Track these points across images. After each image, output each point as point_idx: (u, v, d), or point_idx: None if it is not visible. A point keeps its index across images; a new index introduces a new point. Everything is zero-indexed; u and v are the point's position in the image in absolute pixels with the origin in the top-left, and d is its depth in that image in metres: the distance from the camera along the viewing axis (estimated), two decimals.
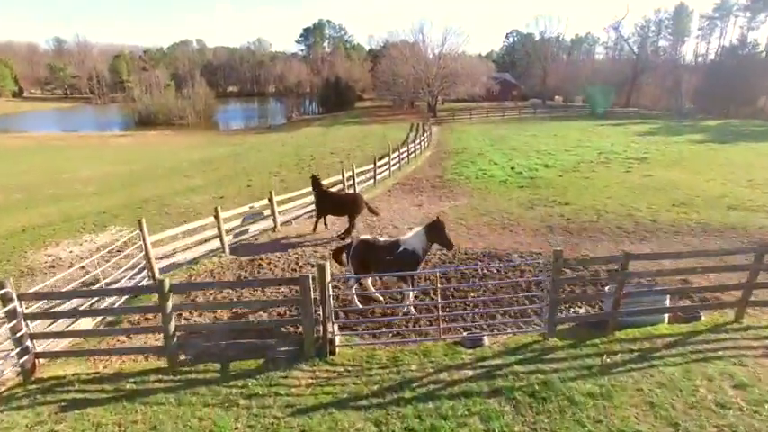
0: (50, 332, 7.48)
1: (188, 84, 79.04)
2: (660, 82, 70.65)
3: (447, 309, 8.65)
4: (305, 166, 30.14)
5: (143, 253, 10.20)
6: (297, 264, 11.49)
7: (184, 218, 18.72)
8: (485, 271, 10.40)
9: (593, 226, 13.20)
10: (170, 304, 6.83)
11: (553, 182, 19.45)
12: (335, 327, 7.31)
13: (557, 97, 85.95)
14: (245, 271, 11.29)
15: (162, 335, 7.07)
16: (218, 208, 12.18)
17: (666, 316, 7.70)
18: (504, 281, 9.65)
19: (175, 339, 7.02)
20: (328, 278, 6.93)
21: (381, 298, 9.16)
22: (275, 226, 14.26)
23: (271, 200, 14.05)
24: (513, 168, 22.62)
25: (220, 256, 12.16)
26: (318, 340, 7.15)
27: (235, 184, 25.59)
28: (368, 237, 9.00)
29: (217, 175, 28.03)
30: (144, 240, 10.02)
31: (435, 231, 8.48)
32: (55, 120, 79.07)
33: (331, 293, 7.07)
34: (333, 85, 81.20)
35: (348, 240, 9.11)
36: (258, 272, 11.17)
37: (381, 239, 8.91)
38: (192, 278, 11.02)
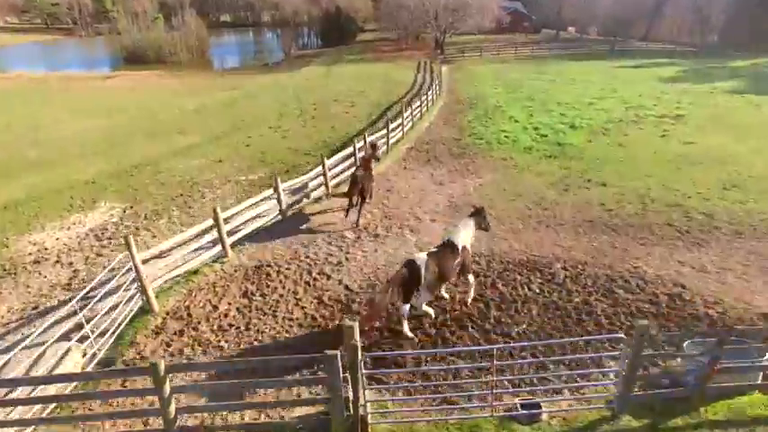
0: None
1: (177, 13, 73.66)
2: (683, 13, 65.69)
3: (488, 357, 7.43)
4: (308, 117, 28.05)
5: (134, 275, 8.81)
6: (310, 275, 10.17)
7: (181, 189, 17.20)
8: (527, 291, 9.10)
9: (639, 221, 11.73)
10: (168, 387, 5.57)
11: (584, 151, 17.69)
12: (367, 403, 6.11)
13: (570, 29, 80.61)
14: (252, 284, 9.99)
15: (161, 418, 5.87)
16: (218, 209, 10.62)
17: (760, 375, 6.46)
18: (554, 317, 8.36)
19: (177, 423, 5.84)
20: (358, 344, 5.62)
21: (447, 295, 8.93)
22: (282, 211, 12.75)
23: (276, 188, 12.43)
24: (536, 130, 20.70)
25: (223, 263, 10.81)
26: (348, 420, 5.98)
27: (233, 141, 23.70)
28: (421, 254, 7.93)
29: (213, 131, 26.01)
30: (133, 261, 8.60)
31: (480, 218, 9.00)
32: (35, 55, 74.51)
33: (363, 368, 5.80)
34: (333, 16, 75.78)
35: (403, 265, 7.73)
36: (267, 285, 9.87)
37: (435, 248, 8.26)
38: (193, 294, 9.73)
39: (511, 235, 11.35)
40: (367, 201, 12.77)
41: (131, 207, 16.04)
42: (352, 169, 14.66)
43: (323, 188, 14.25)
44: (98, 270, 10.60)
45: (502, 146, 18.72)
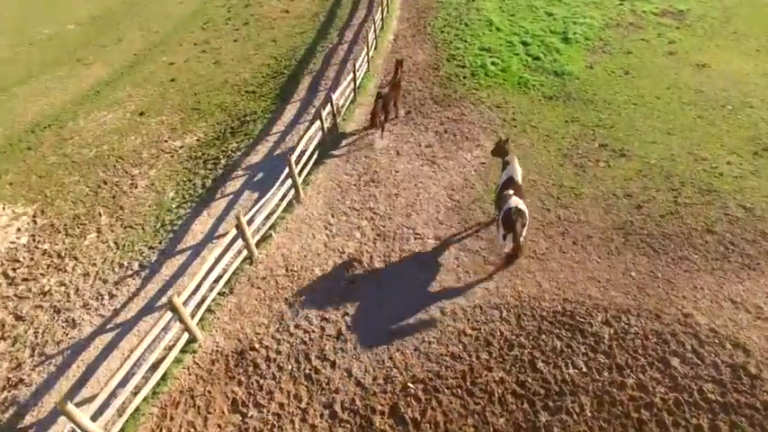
0: None
1: None
2: None
3: None
4: (240, 23, 22.99)
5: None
6: (309, 361, 8.33)
7: (101, 171, 13.89)
8: (571, 371, 7.81)
9: (676, 229, 10.20)
10: None
11: (587, 86, 15.18)
12: None
13: None
14: (240, 385, 8.08)
15: None
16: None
17: None
18: (610, 418, 7.20)
19: None
20: None
21: None
22: (250, 254, 10.23)
23: (241, 230, 9.73)
24: (525, 46, 17.56)
25: (194, 352, 8.65)
26: None
27: (152, 73, 19.23)
28: (517, 200, 8.85)
29: (122, 54, 20.83)
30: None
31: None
32: None
33: None
34: None
35: None
36: (259, 387, 8.02)
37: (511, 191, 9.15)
38: (168, 415, 7.77)
39: (536, 264, 9.64)
40: (392, 117, 13.79)
41: (42, 212, 12.79)
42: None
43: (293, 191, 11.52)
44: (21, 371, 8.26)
45: (491, 79, 15.79)
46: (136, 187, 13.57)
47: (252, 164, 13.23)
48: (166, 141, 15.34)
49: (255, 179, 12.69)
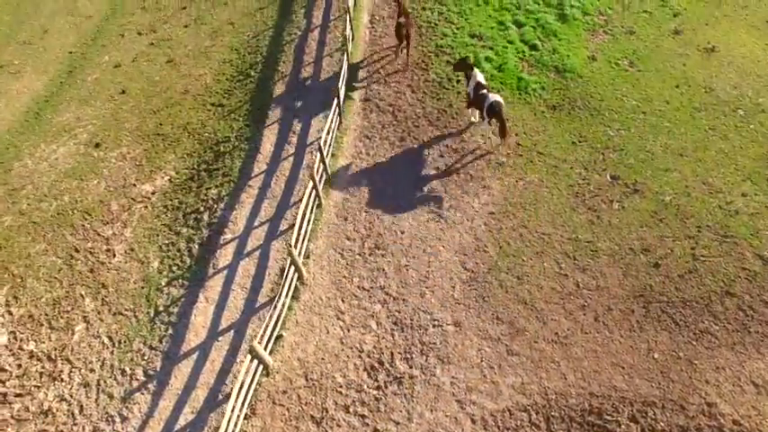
0: None
1: None
2: None
3: None
4: None
5: None
6: None
7: (69, 234, 12.93)
8: None
9: (695, 293, 10.18)
10: None
11: (591, 87, 14.17)
12: None
13: None
14: None
15: None
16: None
17: None
18: None
19: None
20: None
21: None
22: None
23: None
24: (519, 27, 15.98)
25: None
26: None
27: (93, 77, 17.17)
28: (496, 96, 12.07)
29: (53, 54, 18.29)
30: None
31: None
32: None
33: None
34: None
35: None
36: None
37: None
38: None
39: (559, 351, 9.62)
40: (412, 44, 15.11)
41: (15, 298, 12.02)
42: None
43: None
44: None
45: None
46: (114, 255, 12.59)
47: (239, 224, 12.25)
48: (134, 185, 14.01)
49: (247, 247, 11.85)
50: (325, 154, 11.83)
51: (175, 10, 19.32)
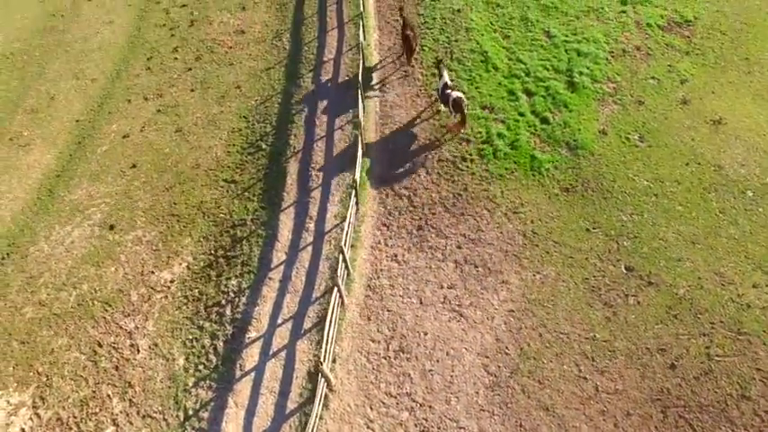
0: None
1: None
2: None
3: None
4: (190, 55, 20.42)
5: None
6: None
7: (90, 326, 13.47)
8: None
9: (711, 397, 10.72)
10: None
11: (602, 162, 14.66)
12: None
13: None
14: None
15: None
16: None
17: None
18: None
19: None
20: None
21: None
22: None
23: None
24: (529, 97, 16.46)
25: None
26: None
27: (103, 149, 17.54)
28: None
29: (61, 124, 18.55)
30: None
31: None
32: None
33: None
34: None
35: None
36: None
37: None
38: None
39: None
40: (416, 50, 17.76)
41: (42, 399, 12.41)
42: None
43: None
44: None
45: (500, 162, 15.00)
46: (138, 351, 13.00)
47: (262, 321, 12.67)
48: (152, 272, 14.38)
49: (273, 346, 12.28)
50: (345, 254, 12.23)
51: (181, 71, 19.56)
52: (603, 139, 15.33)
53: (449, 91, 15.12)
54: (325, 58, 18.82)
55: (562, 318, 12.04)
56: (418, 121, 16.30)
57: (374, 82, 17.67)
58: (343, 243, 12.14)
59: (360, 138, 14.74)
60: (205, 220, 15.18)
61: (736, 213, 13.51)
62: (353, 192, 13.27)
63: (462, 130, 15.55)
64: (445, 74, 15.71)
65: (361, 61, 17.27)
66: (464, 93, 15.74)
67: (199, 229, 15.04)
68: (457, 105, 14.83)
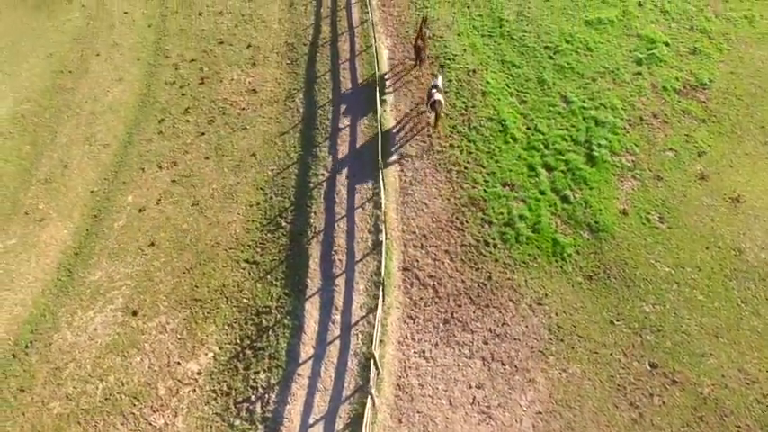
0: None
1: None
2: None
3: None
4: (204, 119, 20.49)
5: None
6: None
7: (120, 419, 14.04)
8: None
9: None
10: None
11: (623, 246, 15.05)
12: None
13: None
14: None
15: None
16: None
17: None
18: None
19: None
20: None
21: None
22: None
23: None
24: (549, 172, 16.85)
25: None
26: None
27: (120, 224, 17.75)
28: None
29: (76, 196, 18.73)
30: None
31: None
32: None
33: None
34: None
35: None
36: None
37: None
38: None
39: None
40: (424, 61, 20.22)
41: None
42: None
43: None
44: None
45: (523, 248, 15.35)
46: None
47: (294, 421, 13.03)
48: (179, 363, 14.71)
49: None
50: (376, 357, 12.59)
51: (194, 136, 19.73)
52: (624, 221, 15.70)
53: (434, 91, 17.52)
54: (341, 124, 19.02)
55: (589, 419, 12.47)
56: (439, 199, 16.57)
57: (393, 158, 17.88)
58: (373, 347, 12.47)
59: (382, 224, 15.04)
60: (229, 306, 15.47)
61: (757, 303, 13.95)
62: (381, 288, 13.58)
63: (433, 130, 18.28)
64: (440, 78, 18.36)
65: (380, 132, 17.52)
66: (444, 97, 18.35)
67: (223, 316, 15.33)
68: (434, 106, 17.43)
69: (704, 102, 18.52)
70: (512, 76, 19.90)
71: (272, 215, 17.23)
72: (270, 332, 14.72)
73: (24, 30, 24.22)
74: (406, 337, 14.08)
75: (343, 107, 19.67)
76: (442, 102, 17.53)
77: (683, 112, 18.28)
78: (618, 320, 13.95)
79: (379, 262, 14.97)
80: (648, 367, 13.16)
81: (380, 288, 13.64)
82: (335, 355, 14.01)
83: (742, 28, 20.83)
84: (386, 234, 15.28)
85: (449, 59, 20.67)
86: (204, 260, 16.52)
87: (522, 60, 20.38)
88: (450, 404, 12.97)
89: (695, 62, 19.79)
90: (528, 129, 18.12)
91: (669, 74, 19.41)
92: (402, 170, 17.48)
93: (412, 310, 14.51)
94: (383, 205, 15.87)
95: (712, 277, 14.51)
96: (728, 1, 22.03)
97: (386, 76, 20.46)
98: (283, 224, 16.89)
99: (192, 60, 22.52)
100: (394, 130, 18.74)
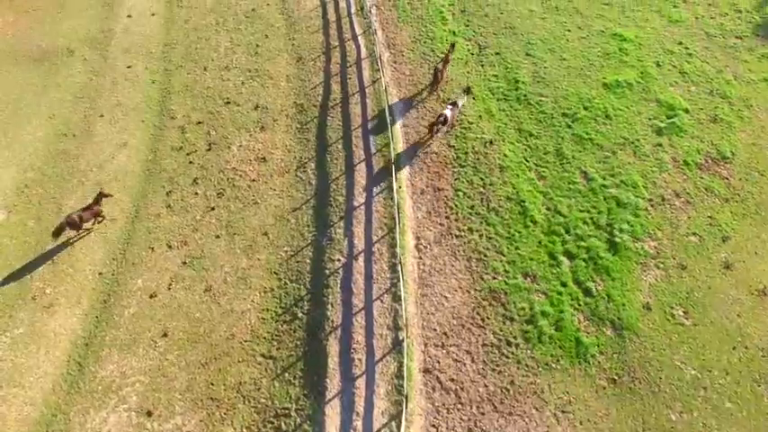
0: None
1: None
2: None
3: None
4: (213, 191, 20.31)
5: None
6: None
7: None
8: None
9: None
10: None
11: (647, 345, 15.07)
12: None
13: None
14: None
15: None
16: None
17: None
18: None
19: None
20: None
21: None
22: None
23: None
24: (575, 271, 16.64)
25: None
26: None
27: (130, 312, 18.07)
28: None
29: (84, 278, 18.67)
30: None
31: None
32: None
33: None
34: None
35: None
36: None
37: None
38: None
39: None
40: (440, 82, 21.89)
41: None
42: None
43: None
44: None
45: (546, 348, 15.29)
46: None
47: None
48: None
49: None
50: None
51: (203, 211, 19.50)
52: (648, 316, 15.65)
53: (449, 107, 19.77)
54: (355, 202, 18.83)
55: None
56: (459, 291, 16.45)
57: (411, 242, 17.72)
58: None
59: (403, 325, 14.94)
60: (246, 406, 15.36)
61: None
62: (404, 401, 13.51)
63: (426, 136, 20.33)
64: (462, 99, 20.53)
65: (397, 216, 17.36)
66: (458, 110, 20.34)
67: (240, 417, 15.23)
68: (439, 119, 19.40)
69: (727, 178, 18.43)
70: (529, 147, 19.72)
71: (288, 303, 17.08)
72: None
73: (25, 87, 23.80)
74: None
75: (356, 180, 19.46)
76: (448, 116, 19.46)
77: (706, 189, 18.19)
78: (644, 431, 13.91)
79: (400, 363, 14.87)
80: None
81: (404, 404, 13.53)
82: None
83: (762, 93, 20.73)
84: (406, 333, 15.17)
85: (464, 128, 20.45)
86: (219, 354, 16.38)
87: (539, 129, 20.19)
88: None
89: (716, 132, 19.68)
90: (548, 209, 17.99)
91: (690, 145, 19.29)
92: (420, 257, 17.33)
93: (435, 417, 14.44)
94: (403, 299, 15.74)
95: (740, 382, 14.49)
96: (748, 61, 21.86)
97: (400, 148, 20.24)
98: (299, 315, 16.75)
99: (199, 123, 22.20)
100: (410, 209, 18.55)
